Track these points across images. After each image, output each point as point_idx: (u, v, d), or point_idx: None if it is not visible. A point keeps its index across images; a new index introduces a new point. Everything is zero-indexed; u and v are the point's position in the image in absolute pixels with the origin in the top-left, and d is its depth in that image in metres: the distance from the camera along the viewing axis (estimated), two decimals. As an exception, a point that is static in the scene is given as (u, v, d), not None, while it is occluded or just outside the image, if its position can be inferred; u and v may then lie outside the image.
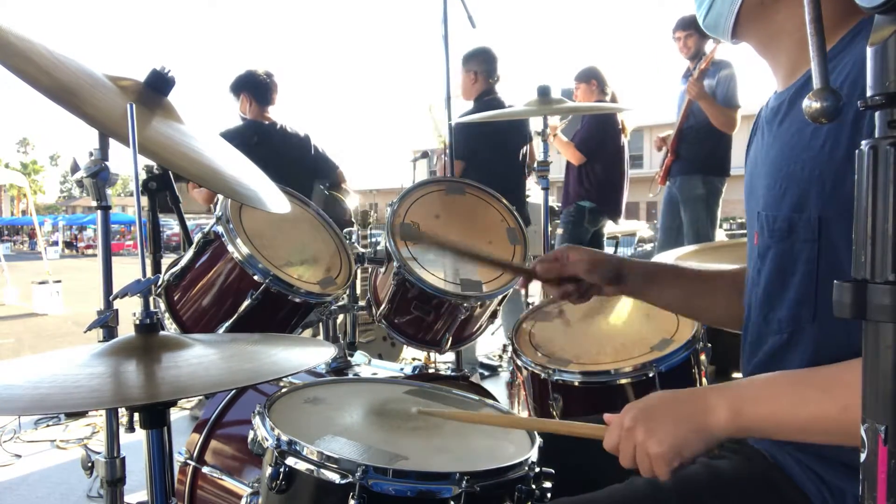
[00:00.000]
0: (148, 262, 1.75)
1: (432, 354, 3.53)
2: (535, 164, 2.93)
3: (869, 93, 0.50)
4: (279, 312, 1.72)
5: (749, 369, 1.08)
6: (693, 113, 4.23)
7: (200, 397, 2.98)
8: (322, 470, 0.98)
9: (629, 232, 8.50)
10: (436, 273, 1.76)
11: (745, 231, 1.27)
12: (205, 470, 1.59)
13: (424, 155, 5.27)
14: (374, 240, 1.96)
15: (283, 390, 1.26)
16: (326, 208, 1.99)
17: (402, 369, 1.93)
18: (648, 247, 12.82)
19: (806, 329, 0.94)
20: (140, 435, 1.04)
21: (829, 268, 0.89)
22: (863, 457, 0.51)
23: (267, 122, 3.72)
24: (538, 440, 1.09)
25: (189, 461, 1.61)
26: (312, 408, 1.24)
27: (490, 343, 5.02)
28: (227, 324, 1.66)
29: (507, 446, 1.13)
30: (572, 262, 1.25)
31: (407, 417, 1.21)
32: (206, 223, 1.73)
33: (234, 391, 1.69)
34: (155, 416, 1.03)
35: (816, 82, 0.53)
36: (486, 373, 4.53)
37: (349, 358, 1.88)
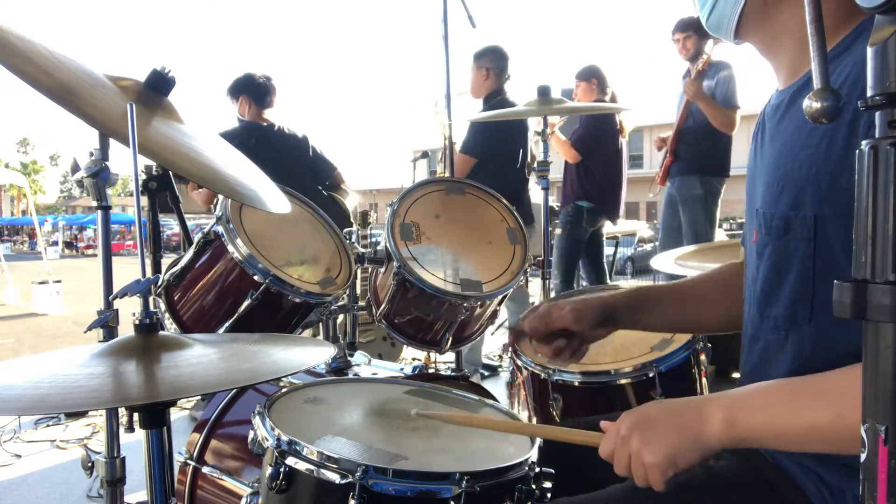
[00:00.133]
0: (148, 262, 1.75)
1: (432, 354, 3.53)
2: (535, 164, 2.93)
3: (869, 93, 0.50)
4: (279, 312, 1.72)
5: (747, 367, 1.08)
6: (692, 114, 4.23)
7: (200, 397, 2.98)
8: (322, 470, 0.98)
9: (629, 232, 8.48)
10: (436, 273, 1.76)
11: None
12: (205, 470, 1.59)
13: (424, 155, 5.27)
14: (374, 240, 1.95)
15: (283, 390, 1.26)
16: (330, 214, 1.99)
17: (402, 369, 1.93)
18: (648, 247, 12.83)
19: (802, 326, 0.94)
20: (140, 435, 1.04)
21: (825, 266, 0.89)
22: (863, 457, 0.51)
23: (265, 124, 3.72)
24: (538, 440, 1.09)
25: (189, 461, 1.61)
26: (312, 408, 1.24)
27: (490, 343, 5.02)
28: (227, 324, 1.66)
29: (506, 446, 1.13)
30: (556, 317, 1.26)
31: (407, 417, 1.21)
32: (206, 223, 1.73)
33: (233, 391, 1.69)
34: (155, 416, 1.03)
35: (817, 82, 0.53)
36: (487, 373, 4.53)
37: (349, 358, 1.88)
